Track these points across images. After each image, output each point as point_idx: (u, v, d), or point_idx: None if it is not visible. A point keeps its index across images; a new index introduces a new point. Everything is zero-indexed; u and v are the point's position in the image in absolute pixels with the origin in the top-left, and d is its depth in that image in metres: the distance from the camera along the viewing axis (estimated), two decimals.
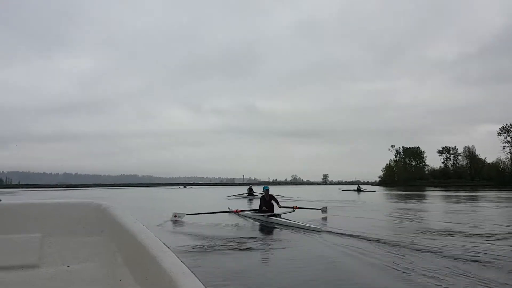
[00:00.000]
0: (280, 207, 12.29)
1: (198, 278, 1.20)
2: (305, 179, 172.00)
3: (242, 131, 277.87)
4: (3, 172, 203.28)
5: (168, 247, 1.46)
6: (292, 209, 12.26)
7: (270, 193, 12.90)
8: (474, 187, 66.95)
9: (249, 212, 12.78)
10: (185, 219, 11.68)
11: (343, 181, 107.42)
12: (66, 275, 1.66)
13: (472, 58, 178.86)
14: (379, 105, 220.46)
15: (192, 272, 1.24)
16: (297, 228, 9.83)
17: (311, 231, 9.26)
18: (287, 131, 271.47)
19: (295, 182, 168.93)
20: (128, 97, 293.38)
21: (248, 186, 32.31)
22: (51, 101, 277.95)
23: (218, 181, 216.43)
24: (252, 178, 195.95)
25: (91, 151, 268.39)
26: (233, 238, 8.00)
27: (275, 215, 11.76)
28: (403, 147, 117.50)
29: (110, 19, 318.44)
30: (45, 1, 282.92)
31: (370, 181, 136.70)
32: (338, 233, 8.81)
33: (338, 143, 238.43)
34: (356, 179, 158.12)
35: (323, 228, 9.69)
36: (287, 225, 10.52)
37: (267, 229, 10.49)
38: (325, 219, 12.47)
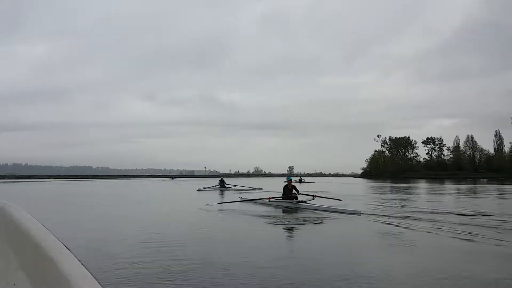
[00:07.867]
0: (300, 193, 14.18)
1: (98, 282, 1.18)
2: (267, 171, 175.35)
3: (203, 123, 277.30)
4: None
5: (69, 249, 1.37)
6: (312, 197, 13.99)
7: (292, 183, 14.66)
8: (488, 180, 59.24)
9: (279, 200, 14.38)
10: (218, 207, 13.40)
11: (306, 173, 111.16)
12: None
13: (432, 54, 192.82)
14: (343, 100, 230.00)
15: (92, 275, 1.20)
16: (331, 212, 11.51)
17: (347, 214, 11.07)
18: (250, 124, 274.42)
19: (258, 174, 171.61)
20: (85, 87, 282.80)
21: (220, 178, 33.37)
22: (2, 89, 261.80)
23: (178, 173, 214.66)
24: (212, 170, 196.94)
25: (43, 142, 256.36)
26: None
27: (302, 202, 13.49)
28: (390, 137, 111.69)
29: (69, 6, 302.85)
30: None
31: (352, 173, 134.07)
32: (376, 215, 10.70)
33: (303, 136, 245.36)
34: (317, 171, 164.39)
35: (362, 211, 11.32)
36: (320, 210, 12.17)
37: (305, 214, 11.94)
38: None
